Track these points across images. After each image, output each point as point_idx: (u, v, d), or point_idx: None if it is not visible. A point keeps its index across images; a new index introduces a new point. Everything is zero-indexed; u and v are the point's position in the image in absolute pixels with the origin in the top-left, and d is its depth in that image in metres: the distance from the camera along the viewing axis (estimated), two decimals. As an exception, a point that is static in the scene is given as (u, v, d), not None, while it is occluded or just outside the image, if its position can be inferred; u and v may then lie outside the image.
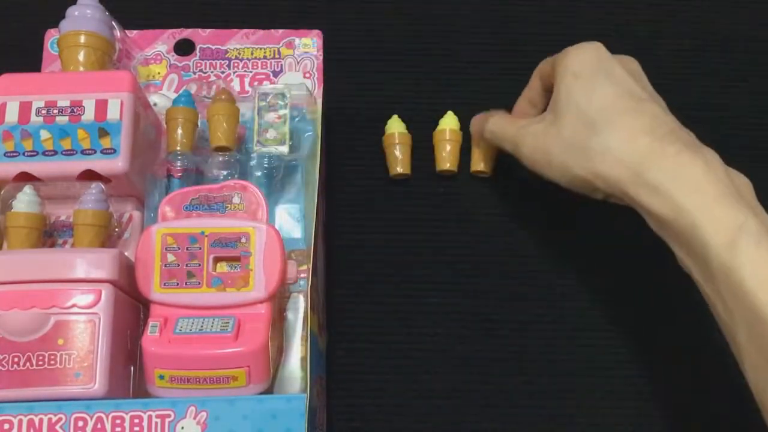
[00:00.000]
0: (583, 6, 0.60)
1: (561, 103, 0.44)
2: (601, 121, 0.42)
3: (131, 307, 0.43)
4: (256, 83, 0.52)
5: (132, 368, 0.43)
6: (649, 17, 0.60)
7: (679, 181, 0.38)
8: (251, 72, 0.52)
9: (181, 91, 0.49)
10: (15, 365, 0.39)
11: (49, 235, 0.45)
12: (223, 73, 0.52)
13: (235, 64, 0.53)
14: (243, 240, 0.42)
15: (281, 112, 0.47)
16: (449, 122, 0.55)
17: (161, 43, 0.53)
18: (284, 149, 0.47)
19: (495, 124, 0.50)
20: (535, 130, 0.46)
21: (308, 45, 0.53)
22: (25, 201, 0.42)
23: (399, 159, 0.54)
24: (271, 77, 0.52)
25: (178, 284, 0.42)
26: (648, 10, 0.60)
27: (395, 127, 0.54)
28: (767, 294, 0.35)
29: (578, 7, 0.60)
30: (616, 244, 0.53)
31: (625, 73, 0.44)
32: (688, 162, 0.39)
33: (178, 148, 0.47)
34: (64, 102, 0.44)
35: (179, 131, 0.47)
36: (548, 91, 0.48)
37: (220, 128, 0.47)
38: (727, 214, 0.37)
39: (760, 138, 0.56)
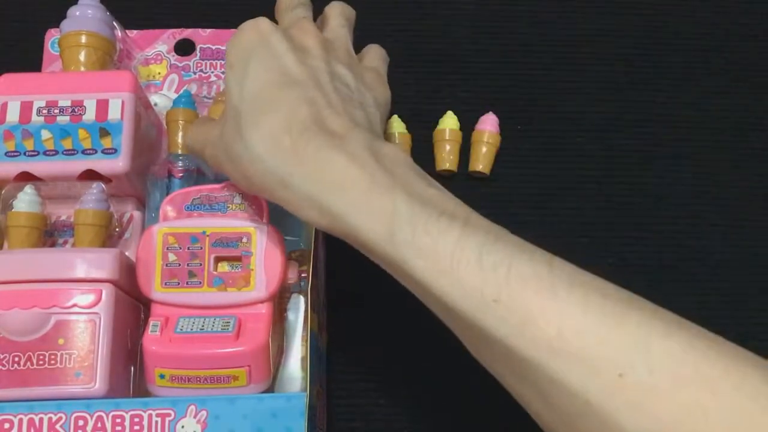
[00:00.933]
0: (584, 6, 0.60)
1: (225, 102, 0.39)
2: (247, 119, 0.37)
3: (132, 306, 0.43)
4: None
5: (132, 368, 0.43)
6: (651, 16, 0.60)
7: (323, 182, 0.35)
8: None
9: (181, 92, 0.49)
10: (15, 365, 0.39)
11: (49, 234, 0.45)
12: (223, 73, 0.52)
13: (236, 64, 0.52)
14: (244, 240, 0.42)
15: None
16: (449, 122, 0.55)
17: (162, 43, 0.53)
18: None
19: (191, 137, 0.44)
20: (210, 139, 0.41)
21: (309, 45, 0.53)
22: (25, 201, 0.42)
23: (399, 159, 0.54)
24: (272, 77, 0.52)
25: (179, 284, 0.42)
26: (647, 10, 0.60)
27: (395, 127, 0.55)
28: (442, 283, 0.32)
29: (579, 7, 0.60)
30: (616, 243, 0.53)
31: (284, 50, 0.38)
32: (327, 158, 0.35)
33: (180, 151, 0.47)
34: (65, 102, 0.44)
35: (180, 134, 0.47)
36: None
37: None
38: (375, 205, 0.33)
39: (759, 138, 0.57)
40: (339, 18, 0.45)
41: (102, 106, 0.44)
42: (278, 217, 0.48)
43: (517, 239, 0.34)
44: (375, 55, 0.48)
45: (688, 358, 0.28)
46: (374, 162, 0.35)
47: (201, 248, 0.42)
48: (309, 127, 0.36)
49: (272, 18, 0.42)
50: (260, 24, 0.39)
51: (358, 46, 0.59)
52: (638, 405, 0.28)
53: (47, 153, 0.43)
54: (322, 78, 0.39)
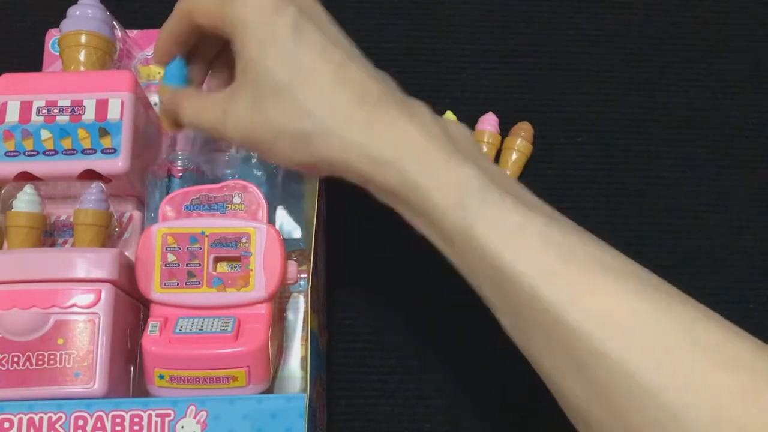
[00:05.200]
0: (585, 6, 0.60)
1: (253, 78, 0.38)
2: (307, 99, 0.37)
3: (131, 306, 0.43)
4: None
5: (132, 368, 0.43)
6: (651, 16, 0.60)
7: (401, 148, 0.36)
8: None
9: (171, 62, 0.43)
10: (15, 365, 0.39)
11: (49, 234, 0.45)
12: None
13: (236, 64, 0.52)
14: (243, 240, 0.42)
15: None
16: (449, 122, 0.55)
17: (162, 42, 0.53)
18: None
19: (193, 115, 0.41)
20: (237, 115, 0.39)
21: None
22: (25, 200, 0.42)
23: (399, 159, 0.54)
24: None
25: (178, 284, 0.42)
26: (646, 10, 0.60)
27: (395, 127, 0.54)
28: (506, 250, 0.33)
29: (579, 7, 0.60)
30: (616, 243, 0.53)
31: (314, 26, 0.38)
32: (405, 127, 0.36)
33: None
34: (64, 101, 0.44)
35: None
36: (202, 35, 0.41)
37: None
38: (451, 172, 0.35)
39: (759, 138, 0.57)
40: None
41: (101, 105, 0.44)
42: (278, 218, 0.48)
43: (577, 225, 0.35)
44: None
45: (730, 347, 0.30)
46: (442, 133, 0.36)
47: (200, 248, 0.42)
48: (380, 100, 0.37)
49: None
50: None
51: (358, 46, 0.59)
52: (681, 383, 0.29)
53: (47, 153, 0.43)
54: (353, 53, 0.39)
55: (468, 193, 0.34)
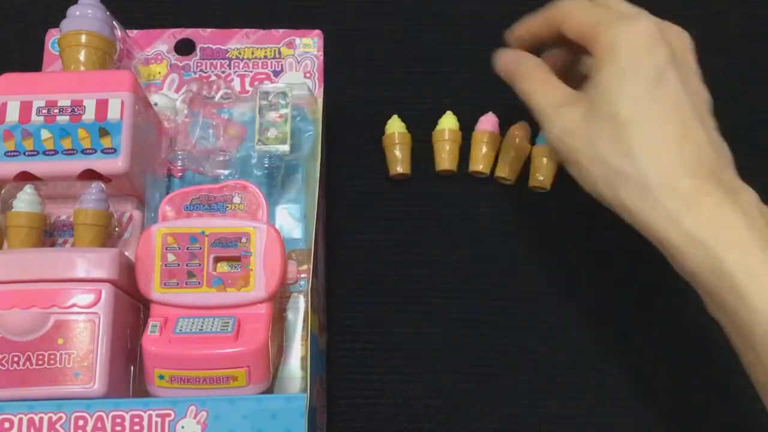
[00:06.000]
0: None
1: (600, 99, 0.38)
2: (642, 145, 0.36)
3: (131, 306, 0.43)
4: (256, 83, 0.52)
5: (132, 368, 0.43)
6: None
7: (720, 235, 0.34)
8: (252, 72, 0.52)
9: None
10: (15, 364, 0.39)
11: (49, 234, 0.45)
12: (223, 72, 0.52)
13: (236, 64, 0.53)
14: (243, 240, 0.42)
15: (282, 111, 0.47)
16: (449, 122, 0.55)
17: (162, 42, 0.53)
18: (285, 148, 0.47)
19: (530, 88, 0.42)
20: (569, 118, 0.39)
21: (309, 45, 0.53)
22: (25, 200, 0.42)
23: (399, 159, 0.54)
24: (272, 77, 0.52)
25: (178, 284, 0.42)
26: (650, 9, 0.60)
27: (395, 127, 0.55)
28: None
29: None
30: (618, 244, 0.53)
31: (679, 78, 0.37)
32: (730, 213, 0.35)
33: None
34: (64, 101, 0.44)
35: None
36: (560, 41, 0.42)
37: None
38: None
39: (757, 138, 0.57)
40: None
41: (101, 105, 0.44)
42: (278, 217, 0.48)
43: None
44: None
45: None
46: (766, 226, 0.35)
47: (200, 248, 0.42)
48: (710, 177, 0.36)
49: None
50: (660, 42, 0.37)
51: (359, 45, 0.59)
52: None
53: (47, 153, 0.43)
54: (702, 110, 0.38)
55: None
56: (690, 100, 0.37)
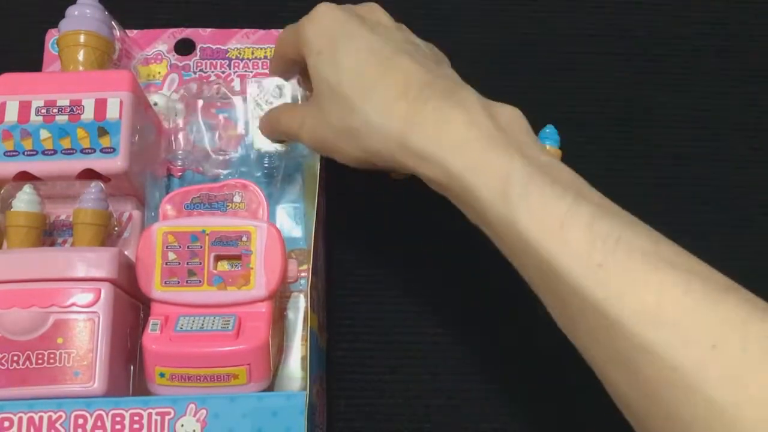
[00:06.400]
0: (585, 5, 0.60)
1: (316, 86, 0.41)
2: (354, 95, 0.38)
3: (131, 306, 0.43)
4: (250, 77, 0.51)
5: (132, 367, 0.43)
6: (649, 17, 0.60)
7: (442, 141, 0.36)
8: (252, 72, 0.52)
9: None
10: (14, 364, 0.39)
11: (48, 234, 0.45)
12: (223, 72, 0.52)
13: (236, 64, 0.53)
14: (244, 238, 0.42)
15: (277, 103, 0.47)
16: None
17: (161, 42, 0.53)
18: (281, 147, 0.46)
19: (280, 123, 0.45)
20: (310, 123, 0.42)
21: (308, 45, 0.53)
22: (24, 200, 0.42)
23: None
24: (272, 77, 0.52)
25: (179, 282, 0.42)
26: (647, 11, 0.60)
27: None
28: (550, 243, 0.32)
29: (580, 6, 0.60)
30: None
31: (367, 29, 0.40)
32: (447, 118, 0.36)
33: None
34: (63, 101, 0.44)
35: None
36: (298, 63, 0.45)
37: None
38: (493, 164, 0.34)
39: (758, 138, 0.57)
40: None
41: (100, 105, 0.44)
42: (279, 217, 0.48)
43: (628, 215, 0.34)
44: None
45: None
46: (490, 121, 0.36)
47: (201, 247, 0.42)
48: (422, 91, 0.37)
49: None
50: (334, 9, 0.41)
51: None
52: (729, 378, 0.28)
53: (46, 152, 0.43)
54: (408, 48, 0.40)
55: (511, 184, 0.34)
56: (385, 41, 0.39)
